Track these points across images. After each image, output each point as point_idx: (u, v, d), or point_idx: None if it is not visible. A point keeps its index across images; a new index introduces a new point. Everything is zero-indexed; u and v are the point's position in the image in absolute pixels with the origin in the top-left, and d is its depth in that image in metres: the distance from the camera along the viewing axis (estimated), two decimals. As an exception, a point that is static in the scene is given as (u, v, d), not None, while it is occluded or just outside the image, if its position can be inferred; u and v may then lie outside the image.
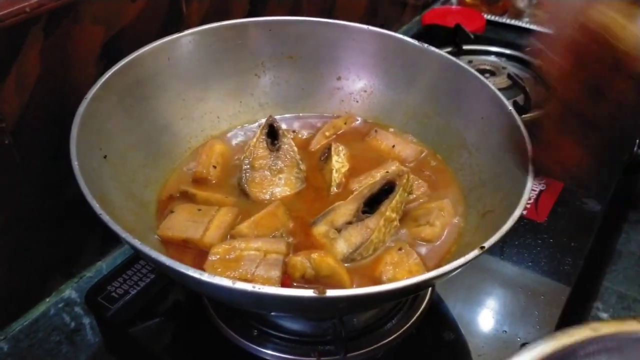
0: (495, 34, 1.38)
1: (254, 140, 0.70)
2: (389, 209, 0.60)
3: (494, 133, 0.66)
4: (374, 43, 0.78)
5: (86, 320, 0.76)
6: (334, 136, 0.78)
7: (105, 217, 0.47)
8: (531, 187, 0.54)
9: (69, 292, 0.76)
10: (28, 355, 0.71)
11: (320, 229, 0.60)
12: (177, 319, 0.67)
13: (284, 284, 0.55)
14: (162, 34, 0.71)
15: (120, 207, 0.57)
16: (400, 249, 0.59)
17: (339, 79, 0.81)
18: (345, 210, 0.61)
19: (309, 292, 0.42)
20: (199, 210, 0.63)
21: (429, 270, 0.58)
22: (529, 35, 1.38)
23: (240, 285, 0.42)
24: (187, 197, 0.66)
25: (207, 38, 0.74)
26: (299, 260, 0.55)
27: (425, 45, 0.75)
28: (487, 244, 0.48)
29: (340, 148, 0.71)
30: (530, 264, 0.76)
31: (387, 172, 0.68)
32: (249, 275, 0.54)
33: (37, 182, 0.68)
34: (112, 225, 0.47)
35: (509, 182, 0.60)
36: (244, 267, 0.55)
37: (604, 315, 0.84)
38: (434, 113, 0.75)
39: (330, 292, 0.42)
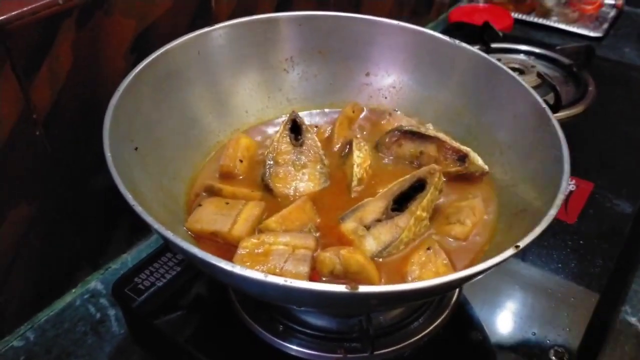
0: (523, 32, 1.37)
1: (277, 135, 0.69)
2: (420, 208, 0.59)
3: (527, 131, 0.65)
4: (404, 39, 0.77)
5: (111, 312, 0.76)
6: (354, 128, 0.77)
7: (138, 209, 0.47)
8: (566, 187, 0.53)
9: (95, 283, 0.78)
10: (54, 345, 0.71)
11: (348, 226, 0.60)
12: (203, 312, 0.67)
13: (312, 279, 0.55)
14: (191, 29, 0.71)
15: (150, 199, 0.57)
16: (428, 249, 0.58)
17: (367, 74, 0.81)
18: (374, 207, 0.60)
19: (341, 288, 0.42)
20: (227, 203, 0.63)
21: (457, 270, 0.57)
22: (557, 34, 1.36)
23: (272, 279, 0.42)
24: (212, 192, 0.66)
25: (237, 32, 0.73)
26: (328, 256, 0.55)
27: (457, 41, 0.74)
28: (522, 243, 0.47)
29: (362, 143, 0.71)
30: (559, 265, 0.74)
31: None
32: (277, 270, 0.53)
33: (67, 174, 0.69)
34: (145, 216, 0.47)
35: (542, 181, 0.59)
36: (273, 261, 0.54)
37: (633, 319, 0.82)
38: (465, 110, 0.74)
39: (363, 288, 0.42)
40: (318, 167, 0.68)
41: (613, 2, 1.47)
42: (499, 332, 0.66)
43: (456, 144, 0.68)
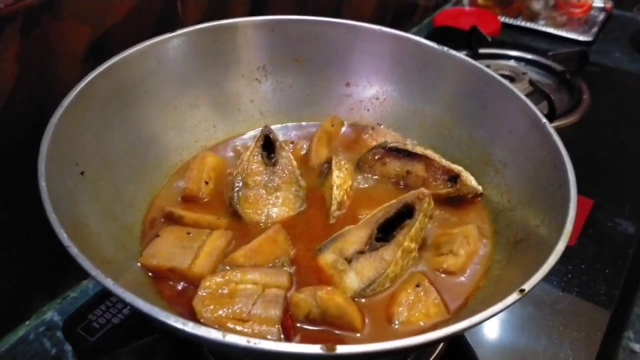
0: (510, 37, 1.32)
1: (247, 153, 0.63)
2: (408, 238, 0.52)
3: (525, 148, 0.59)
4: (387, 46, 0.71)
5: (68, 347, 0.69)
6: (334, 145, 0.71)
7: (74, 251, 0.40)
8: (574, 216, 0.47)
9: (51, 314, 0.71)
10: (5, 386, 0.65)
11: (327, 258, 0.53)
12: (165, 353, 0.60)
13: (284, 324, 0.48)
14: (155, 35, 0.65)
15: (98, 233, 0.50)
16: (417, 286, 0.51)
17: (348, 84, 0.74)
18: (356, 236, 0.54)
19: (315, 348, 0.35)
20: (188, 234, 0.56)
21: (450, 311, 0.51)
22: (545, 38, 1.32)
23: (233, 339, 0.35)
24: (172, 219, 0.58)
25: (201, 39, 0.67)
26: (303, 298, 0.48)
27: (445, 48, 0.67)
28: (527, 286, 0.41)
29: (343, 162, 0.64)
30: (561, 293, 0.69)
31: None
32: (244, 315, 0.47)
33: (15, 194, 0.62)
34: (82, 260, 0.40)
35: (544, 206, 0.53)
36: (239, 304, 0.48)
37: (636, 346, 0.77)
38: (455, 124, 0.68)
39: (341, 349, 0.35)
40: (293, 189, 0.62)
41: (602, 5, 1.43)
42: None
43: (446, 163, 0.62)
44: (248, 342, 0.35)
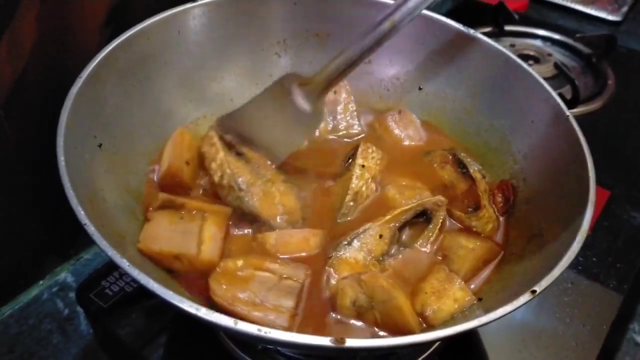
0: (538, 12, 1.28)
1: (221, 155, 0.57)
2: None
3: (546, 141, 0.58)
4: (411, 24, 0.68)
5: (80, 308, 0.70)
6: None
7: (91, 229, 0.40)
8: (591, 216, 0.46)
9: (65, 275, 0.72)
10: (16, 344, 0.66)
11: (357, 256, 0.53)
12: (175, 326, 0.61)
13: None
14: (178, 2, 0.64)
15: (114, 206, 0.51)
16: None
17: (369, 62, 0.73)
18: (377, 235, 0.54)
19: (325, 340, 0.35)
20: (181, 218, 0.53)
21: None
22: (573, 16, 1.28)
23: (244, 327, 0.36)
24: (174, 207, 0.54)
25: (223, 10, 0.66)
26: (348, 283, 0.47)
27: (472, 31, 0.66)
28: (538, 288, 0.41)
29: (371, 150, 0.61)
30: (570, 285, 0.68)
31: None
32: (257, 300, 0.47)
33: (31, 158, 0.63)
34: (98, 239, 0.40)
35: (561, 202, 0.52)
36: (253, 289, 0.47)
37: (641, 338, 0.77)
38: (476, 110, 0.67)
39: (350, 342, 0.35)
40: (282, 178, 0.60)
41: (634, -17, 1.37)
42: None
43: (482, 194, 0.59)
44: (259, 330, 0.36)
